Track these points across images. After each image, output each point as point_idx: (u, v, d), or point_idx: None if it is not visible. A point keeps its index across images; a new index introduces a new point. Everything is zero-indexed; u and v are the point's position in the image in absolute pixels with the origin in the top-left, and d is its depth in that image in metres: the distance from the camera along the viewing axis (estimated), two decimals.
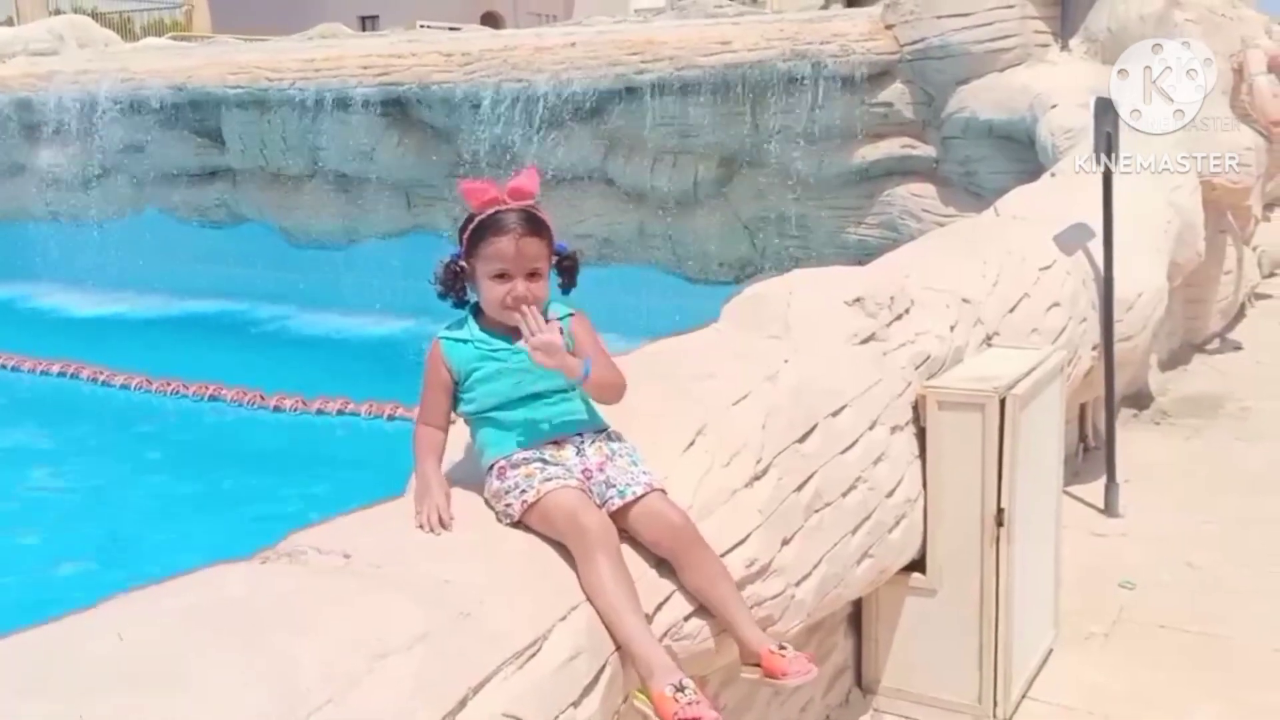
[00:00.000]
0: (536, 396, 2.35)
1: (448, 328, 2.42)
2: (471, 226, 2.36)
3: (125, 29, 25.27)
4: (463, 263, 2.38)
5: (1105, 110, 4.94)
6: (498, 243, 2.31)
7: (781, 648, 2.28)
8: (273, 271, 12.51)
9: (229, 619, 1.76)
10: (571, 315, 2.44)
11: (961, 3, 8.48)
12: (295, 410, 8.97)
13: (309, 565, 2.04)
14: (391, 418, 8.54)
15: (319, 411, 8.87)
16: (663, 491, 2.30)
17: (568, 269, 2.46)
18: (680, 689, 2.03)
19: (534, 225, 2.34)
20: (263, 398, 9.15)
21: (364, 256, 11.87)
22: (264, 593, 1.88)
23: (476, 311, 2.42)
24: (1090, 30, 8.19)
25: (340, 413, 8.79)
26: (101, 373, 10.00)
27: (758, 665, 2.28)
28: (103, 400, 9.66)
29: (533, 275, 2.34)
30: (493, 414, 2.34)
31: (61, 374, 10.20)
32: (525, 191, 2.36)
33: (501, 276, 2.32)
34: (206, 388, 9.43)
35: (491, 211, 2.34)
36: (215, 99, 12.01)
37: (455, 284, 2.41)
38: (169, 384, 9.61)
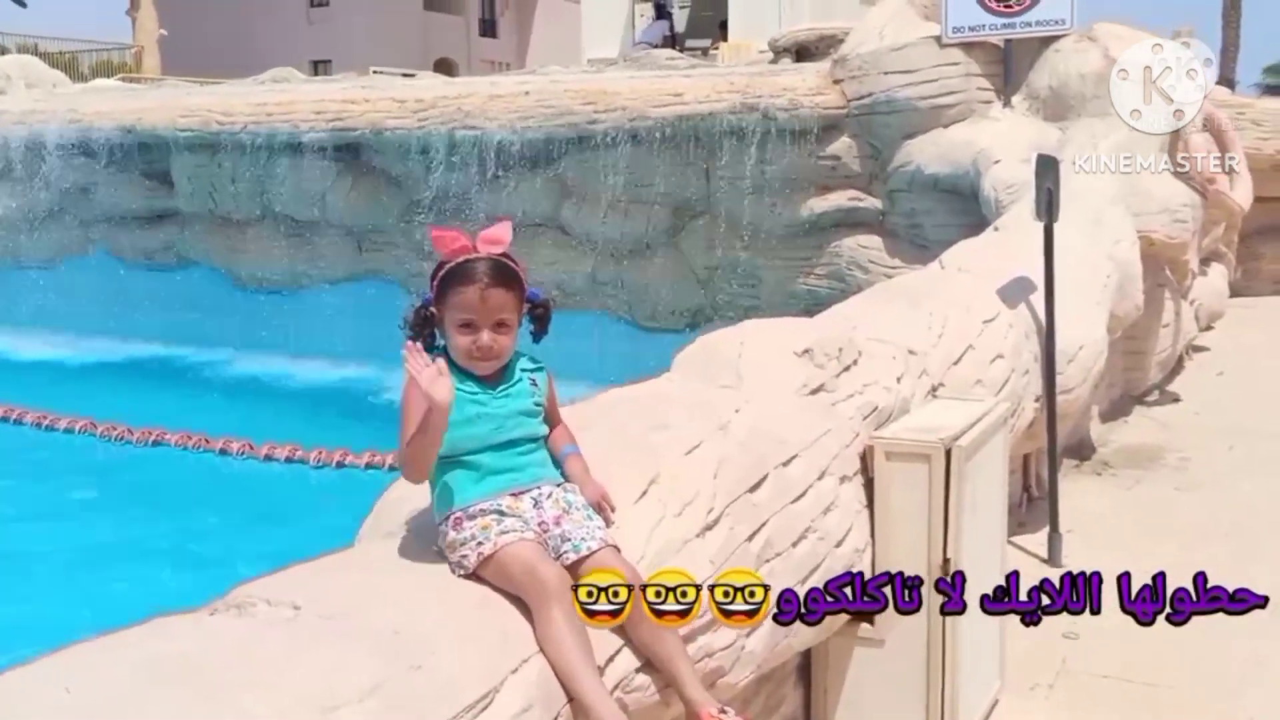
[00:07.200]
0: (511, 444, 2.34)
1: None
2: (441, 274, 2.34)
3: (73, 69, 24.99)
4: (433, 308, 2.36)
5: (1046, 167, 5.06)
6: (464, 292, 2.29)
7: (723, 710, 2.27)
8: (221, 316, 12.41)
9: (177, 673, 1.74)
10: (541, 369, 2.45)
11: (907, 59, 8.67)
12: (242, 455, 8.87)
13: (258, 617, 2.02)
14: (341, 465, 8.46)
15: (267, 458, 8.77)
16: (615, 547, 2.31)
17: (540, 317, 2.44)
18: None
19: (503, 275, 2.32)
20: (208, 442, 9.04)
21: (313, 301, 11.81)
22: (213, 646, 1.87)
23: (447, 354, 2.37)
24: (1032, 88, 8.39)
25: (289, 459, 8.69)
26: (45, 417, 9.85)
27: None
28: (46, 445, 9.50)
29: (499, 325, 2.32)
30: (464, 458, 2.31)
31: (4, 419, 10.02)
32: (497, 240, 2.35)
33: (467, 326, 2.31)
34: (151, 433, 9.32)
35: (461, 260, 2.32)
36: (165, 141, 11.97)
37: (425, 329, 2.37)
38: (114, 429, 9.47)
